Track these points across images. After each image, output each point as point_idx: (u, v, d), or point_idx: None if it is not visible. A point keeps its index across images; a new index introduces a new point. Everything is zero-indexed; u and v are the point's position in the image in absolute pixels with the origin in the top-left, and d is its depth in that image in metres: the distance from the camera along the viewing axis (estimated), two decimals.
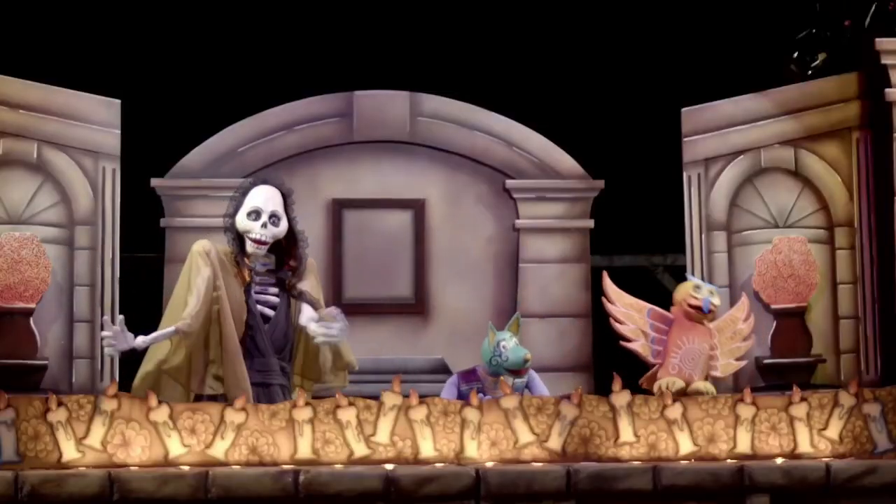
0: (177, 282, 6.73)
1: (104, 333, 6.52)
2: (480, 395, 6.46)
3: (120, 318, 6.56)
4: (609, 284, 6.88)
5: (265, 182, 6.90)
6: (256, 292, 6.75)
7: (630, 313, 6.84)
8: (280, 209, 6.78)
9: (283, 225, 6.79)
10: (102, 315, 8.53)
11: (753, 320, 7.03)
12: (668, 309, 6.79)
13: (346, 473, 5.98)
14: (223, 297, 6.63)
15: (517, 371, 7.10)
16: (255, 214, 6.74)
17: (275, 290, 6.77)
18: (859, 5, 8.79)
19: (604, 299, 6.86)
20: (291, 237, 6.83)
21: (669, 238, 9.25)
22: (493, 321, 8.98)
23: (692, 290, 6.75)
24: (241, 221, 6.75)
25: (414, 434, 6.12)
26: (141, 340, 6.52)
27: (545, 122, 9.24)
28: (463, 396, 6.95)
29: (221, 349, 6.59)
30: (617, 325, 6.81)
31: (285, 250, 6.81)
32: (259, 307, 6.73)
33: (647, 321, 6.81)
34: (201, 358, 6.62)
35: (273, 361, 6.68)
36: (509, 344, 7.11)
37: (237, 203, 6.80)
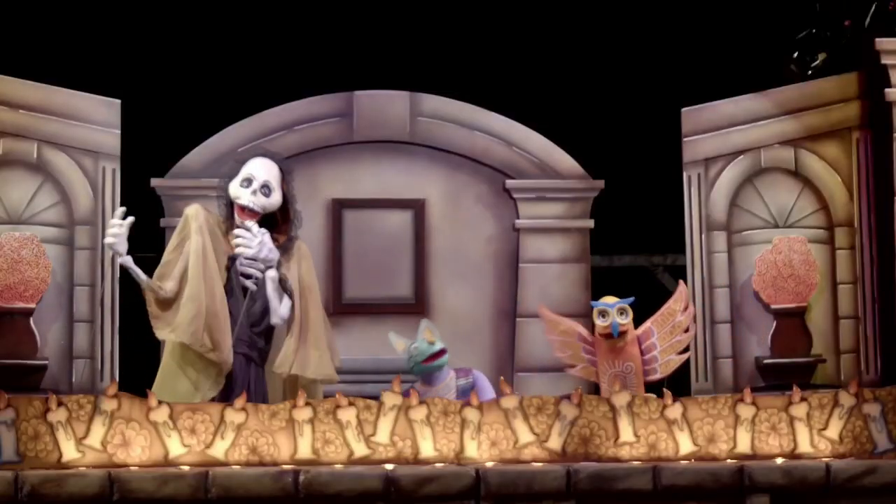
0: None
1: (115, 221, 6.67)
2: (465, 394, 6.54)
3: (130, 219, 6.65)
4: (545, 313, 6.97)
5: (264, 154, 6.93)
6: (242, 264, 6.76)
7: (566, 340, 6.92)
8: (274, 182, 6.79)
9: (276, 198, 6.79)
10: (102, 315, 8.54)
11: (693, 310, 7.06)
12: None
13: (346, 473, 5.98)
14: (203, 259, 6.66)
15: (433, 357, 7.13)
16: (248, 182, 6.77)
17: (260, 265, 6.77)
18: (859, 5, 8.79)
19: (545, 331, 6.93)
20: (285, 213, 6.84)
21: (669, 238, 9.24)
22: (494, 321, 9.03)
23: (597, 318, 6.80)
24: (233, 188, 6.78)
25: (414, 434, 6.12)
26: (126, 260, 6.71)
27: (545, 122, 9.23)
28: None
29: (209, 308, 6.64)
30: (558, 354, 6.89)
31: (278, 227, 6.82)
32: (242, 279, 6.75)
33: (578, 344, 6.91)
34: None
35: (243, 332, 6.70)
36: (418, 343, 7.22)
37: (233, 172, 6.83)
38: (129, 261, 6.70)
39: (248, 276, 6.76)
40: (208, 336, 6.61)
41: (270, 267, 6.73)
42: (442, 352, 7.28)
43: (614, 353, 6.77)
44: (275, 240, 6.82)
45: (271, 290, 6.72)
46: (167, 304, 6.70)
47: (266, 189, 6.76)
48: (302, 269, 6.85)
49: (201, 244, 6.67)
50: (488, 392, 7.13)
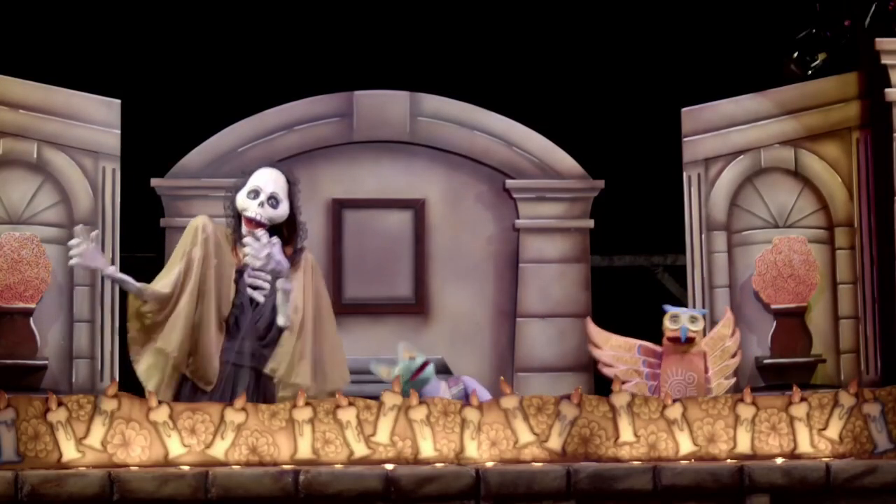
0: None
1: (72, 242, 6.53)
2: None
3: (95, 233, 6.61)
4: (593, 329, 6.92)
5: (271, 165, 6.91)
6: (250, 275, 6.74)
7: (620, 354, 6.89)
8: (281, 193, 6.77)
9: (283, 209, 6.77)
10: (102, 315, 8.54)
11: (739, 336, 7.07)
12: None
13: (346, 473, 5.98)
14: (210, 274, 6.64)
15: (418, 371, 7.12)
16: (255, 193, 6.74)
17: (268, 276, 6.75)
18: (859, 5, 8.78)
19: (590, 345, 6.89)
20: (291, 225, 6.82)
21: (669, 238, 9.24)
22: (494, 321, 9.03)
23: (668, 321, 6.78)
24: (241, 199, 6.75)
25: (414, 434, 6.12)
26: (111, 270, 6.62)
27: (545, 122, 9.24)
28: None
29: (197, 326, 6.61)
30: (606, 370, 6.85)
31: (285, 238, 6.80)
32: (250, 291, 6.72)
33: (638, 358, 6.87)
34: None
35: (251, 345, 6.68)
36: (400, 365, 7.17)
37: (240, 183, 6.80)
38: (114, 271, 6.65)
39: (256, 288, 6.74)
40: (191, 356, 6.60)
41: (279, 277, 6.69)
42: (425, 364, 7.24)
43: (680, 360, 6.74)
44: (283, 252, 6.80)
45: (280, 300, 6.69)
46: (154, 324, 6.64)
47: (273, 200, 6.74)
48: (316, 280, 6.84)
49: (201, 256, 6.65)
50: (482, 395, 7.13)
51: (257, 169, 6.86)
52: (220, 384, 6.60)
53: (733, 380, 6.96)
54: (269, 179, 6.78)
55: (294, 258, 6.78)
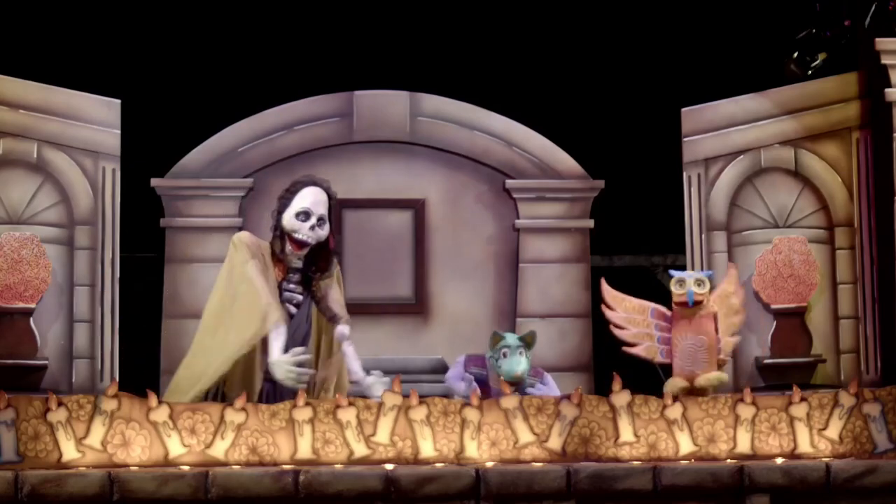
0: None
1: (302, 370, 6.50)
2: (480, 383, 6.52)
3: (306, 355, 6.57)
4: (607, 290, 6.87)
5: (315, 183, 6.86)
6: (285, 290, 6.75)
7: (632, 317, 6.83)
8: (326, 213, 6.78)
9: (326, 229, 6.78)
10: (102, 315, 8.54)
11: (743, 292, 7.03)
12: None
13: (346, 473, 5.98)
14: (272, 285, 6.64)
15: (508, 382, 7.05)
16: (305, 216, 6.71)
17: (300, 288, 6.75)
18: (859, 5, 8.78)
19: (603, 306, 6.84)
20: (328, 240, 6.82)
21: (669, 238, 9.24)
22: (493, 321, 9.02)
23: (674, 286, 6.75)
24: (289, 221, 6.71)
25: (414, 434, 6.12)
26: (301, 356, 6.54)
27: (545, 122, 9.24)
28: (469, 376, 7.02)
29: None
30: (618, 332, 6.80)
31: (317, 252, 6.78)
32: (287, 305, 6.72)
33: (651, 321, 6.81)
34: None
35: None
36: (510, 353, 7.04)
37: (285, 201, 6.77)
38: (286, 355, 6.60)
39: (291, 301, 6.75)
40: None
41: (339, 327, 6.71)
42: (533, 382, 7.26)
43: (689, 324, 6.71)
44: (315, 264, 6.78)
45: (351, 357, 6.72)
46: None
47: (321, 222, 6.75)
48: (342, 289, 6.87)
49: (259, 265, 6.63)
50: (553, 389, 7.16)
51: (303, 187, 6.81)
52: (262, 400, 6.54)
53: (738, 337, 6.91)
54: (318, 201, 6.76)
55: (329, 272, 6.78)
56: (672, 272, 6.90)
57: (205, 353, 6.57)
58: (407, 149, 9.17)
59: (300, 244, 6.69)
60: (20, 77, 8.51)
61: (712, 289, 6.84)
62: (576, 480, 6.00)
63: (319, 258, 6.78)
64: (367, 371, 6.68)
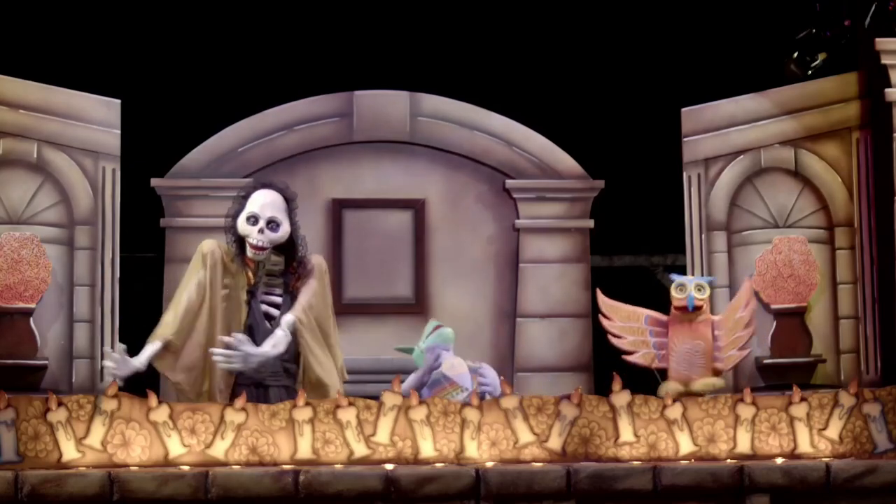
0: (179, 281, 6.79)
1: (106, 363, 6.59)
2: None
3: (120, 346, 6.63)
4: (603, 299, 6.89)
5: (267, 186, 6.88)
6: (263, 293, 6.77)
7: (629, 325, 6.85)
8: (280, 214, 6.77)
9: (284, 230, 6.78)
10: (102, 315, 8.53)
11: (754, 305, 7.02)
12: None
13: (346, 473, 5.98)
14: (217, 297, 6.67)
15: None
16: (254, 220, 6.75)
17: (279, 290, 6.79)
18: (859, 5, 8.78)
19: (600, 316, 6.86)
20: (290, 242, 6.83)
21: (669, 238, 9.24)
22: (494, 321, 9.04)
23: (675, 290, 6.75)
24: (241, 225, 6.77)
25: (414, 434, 6.12)
26: (139, 363, 6.59)
27: (545, 122, 9.24)
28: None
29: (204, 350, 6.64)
30: (615, 341, 6.81)
31: (289, 252, 6.82)
32: (264, 307, 6.75)
33: (645, 328, 6.82)
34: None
35: (272, 363, 6.68)
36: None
37: (239, 206, 6.81)
38: (142, 362, 6.64)
39: (271, 304, 6.77)
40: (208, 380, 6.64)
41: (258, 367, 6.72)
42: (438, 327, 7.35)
43: (687, 329, 6.71)
44: (289, 266, 6.82)
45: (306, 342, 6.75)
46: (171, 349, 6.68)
47: (273, 224, 6.75)
48: (325, 285, 6.86)
49: (202, 279, 6.69)
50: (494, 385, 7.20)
51: (253, 190, 6.85)
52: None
53: (747, 351, 6.91)
54: (265, 203, 6.78)
55: (299, 271, 6.80)
56: (673, 276, 6.90)
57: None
58: (407, 149, 9.17)
59: (253, 247, 6.72)
60: (20, 77, 8.51)
61: (712, 294, 6.85)
62: (576, 480, 6.00)
63: (292, 260, 6.80)
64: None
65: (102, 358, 8.51)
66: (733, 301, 6.96)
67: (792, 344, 8.66)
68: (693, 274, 8.68)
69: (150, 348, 6.65)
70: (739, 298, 6.94)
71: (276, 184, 6.92)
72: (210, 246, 6.76)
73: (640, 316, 6.83)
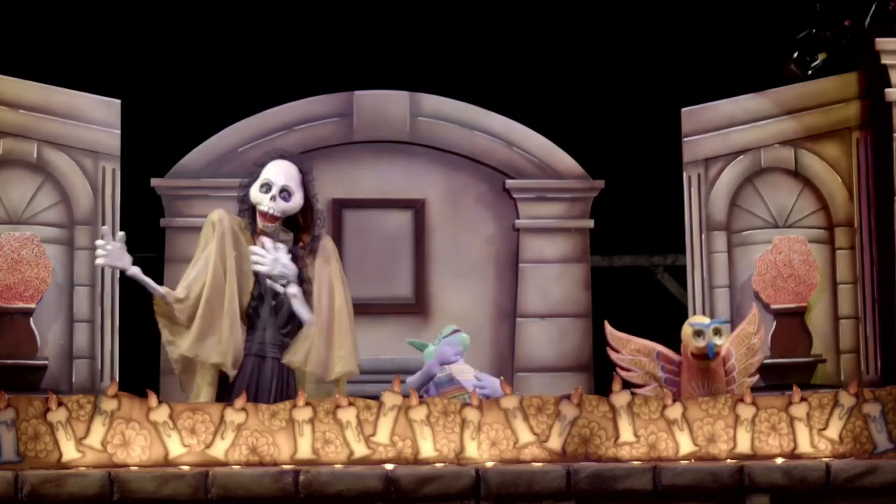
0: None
1: (99, 242, 6.52)
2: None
3: (121, 234, 6.58)
4: (612, 332, 6.82)
5: (282, 156, 6.87)
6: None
7: (638, 358, 6.79)
8: (293, 184, 6.74)
9: (296, 201, 6.75)
10: (102, 315, 8.54)
11: (763, 333, 7.00)
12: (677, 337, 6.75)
13: (346, 473, 5.97)
14: (230, 266, 6.64)
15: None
16: (267, 187, 6.72)
17: (287, 266, 6.75)
18: (859, 5, 8.79)
19: (608, 349, 6.82)
20: (308, 214, 6.80)
21: (669, 238, 9.25)
22: (494, 321, 9.04)
23: (693, 337, 6.65)
24: (254, 193, 6.73)
25: (414, 434, 6.12)
26: (134, 271, 6.55)
27: (545, 122, 9.24)
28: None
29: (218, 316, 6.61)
30: (624, 374, 6.76)
31: (301, 227, 6.80)
32: (269, 282, 6.71)
33: (657, 363, 6.76)
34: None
35: (272, 335, 6.68)
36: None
37: (254, 175, 6.79)
38: (137, 272, 6.61)
39: (277, 280, 6.76)
40: (221, 349, 6.60)
41: (288, 283, 6.68)
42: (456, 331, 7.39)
43: (704, 374, 6.65)
44: (300, 241, 6.80)
45: (297, 305, 6.69)
46: (179, 318, 6.64)
47: (285, 193, 6.72)
48: (332, 267, 6.82)
49: (219, 250, 6.65)
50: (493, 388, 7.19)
51: (269, 160, 6.83)
52: (244, 376, 6.59)
53: (756, 377, 6.89)
54: (280, 172, 6.76)
55: (312, 246, 6.78)
56: (693, 323, 6.73)
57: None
58: (407, 149, 9.17)
59: (265, 216, 6.70)
60: (20, 77, 8.51)
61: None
62: (576, 480, 6.00)
63: (304, 233, 6.78)
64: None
65: (102, 360, 8.54)
66: (742, 327, 6.90)
67: (792, 344, 8.66)
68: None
69: (155, 286, 6.60)
70: (749, 325, 6.90)
71: (291, 156, 6.90)
72: (219, 214, 6.73)
73: (651, 351, 6.75)
